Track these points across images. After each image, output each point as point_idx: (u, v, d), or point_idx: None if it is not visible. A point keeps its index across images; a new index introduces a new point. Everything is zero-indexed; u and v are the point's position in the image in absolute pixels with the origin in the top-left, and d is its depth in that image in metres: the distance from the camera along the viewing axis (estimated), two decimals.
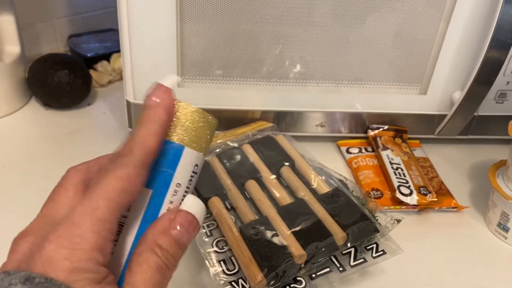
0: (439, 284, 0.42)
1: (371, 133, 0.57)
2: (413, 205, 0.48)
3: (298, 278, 0.37)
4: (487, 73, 0.51)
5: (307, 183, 0.44)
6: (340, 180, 0.46)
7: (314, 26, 0.50)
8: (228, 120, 0.55)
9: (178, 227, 0.24)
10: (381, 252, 0.40)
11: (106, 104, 0.63)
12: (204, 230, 0.41)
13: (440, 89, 0.56)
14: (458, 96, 0.54)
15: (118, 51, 0.69)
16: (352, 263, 0.39)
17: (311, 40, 0.51)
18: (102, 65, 0.68)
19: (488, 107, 0.57)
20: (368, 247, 0.40)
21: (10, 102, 0.59)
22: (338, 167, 0.55)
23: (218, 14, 0.49)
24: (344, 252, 0.39)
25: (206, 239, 0.40)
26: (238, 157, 0.47)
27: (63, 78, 0.57)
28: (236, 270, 0.37)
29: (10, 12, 0.56)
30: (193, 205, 0.26)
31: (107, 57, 0.69)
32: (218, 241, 0.40)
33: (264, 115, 0.56)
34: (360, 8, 0.50)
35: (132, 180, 0.23)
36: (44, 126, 0.58)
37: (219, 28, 0.50)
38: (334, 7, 0.49)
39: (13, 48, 0.58)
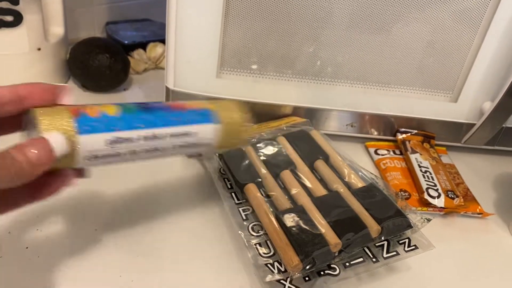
0: (460, 287, 0.43)
1: (400, 136, 0.58)
2: (440, 207, 0.49)
3: (332, 266, 0.38)
4: None
5: (341, 177, 0.46)
6: (372, 179, 0.47)
7: (348, 29, 0.52)
8: (261, 113, 0.56)
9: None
10: (413, 247, 0.41)
11: (141, 90, 0.65)
12: (240, 215, 0.42)
13: (471, 98, 0.57)
14: (488, 106, 0.55)
15: (154, 40, 0.72)
16: (385, 255, 0.40)
17: (345, 42, 0.53)
18: (138, 53, 0.70)
19: None
20: (400, 241, 0.41)
21: (50, 81, 0.60)
22: (366, 167, 0.56)
23: (260, 12, 0.50)
24: (377, 244, 0.41)
25: (244, 223, 0.41)
26: (273, 149, 0.48)
27: (104, 61, 0.59)
28: (271, 253, 0.39)
29: None
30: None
31: (142, 45, 0.71)
32: (254, 225, 0.41)
33: (296, 111, 0.57)
34: (393, 16, 0.51)
35: None
36: None
37: (260, 25, 0.51)
38: (369, 12, 0.51)
39: (58, 30, 0.60)
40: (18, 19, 0.53)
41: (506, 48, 0.53)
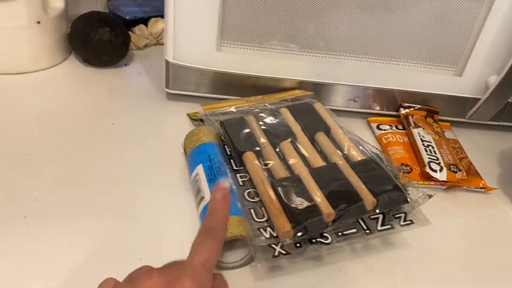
0: (461, 262, 0.42)
1: (403, 111, 0.57)
2: (442, 181, 0.48)
3: (324, 234, 0.38)
4: None
5: (341, 150, 0.45)
6: (376, 154, 0.46)
7: (352, 2, 0.51)
8: (264, 87, 0.56)
9: None
10: (409, 222, 0.40)
11: (143, 66, 0.65)
12: (237, 181, 0.42)
13: (476, 72, 0.55)
14: (494, 80, 0.54)
15: (156, 16, 0.71)
16: (379, 228, 0.39)
17: (348, 15, 0.52)
18: (139, 29, 0.69)
19: None
20: (396, 215, 0.41)
21: (51, 56, 0.61)
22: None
23: None
24: (372, 217, 0.40)
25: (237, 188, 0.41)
26: (275, 119, 0.48)
27: (104, 35, 0.58)
28: (264, 219, 0.38)
29: None
30: None
31: (144, 21, 0.70)
32: (250, 191, 0.41)
33: (299, 85, 0.56)
34: None
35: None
36: (83, 81, 0.60)
37: None
38: None
39: (58, 3, 0.59)
40: None
41: None
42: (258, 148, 0.44)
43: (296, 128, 0.47)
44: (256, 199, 0.40)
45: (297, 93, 0.55)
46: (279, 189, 0.39)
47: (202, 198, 0.40)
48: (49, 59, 0.60)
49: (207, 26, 0.52)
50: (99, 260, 0.37)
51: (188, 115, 0.55)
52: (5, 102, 0.54)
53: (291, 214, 0.37)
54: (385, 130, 0.57)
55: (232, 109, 0.50)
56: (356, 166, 0.42)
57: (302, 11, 0.51)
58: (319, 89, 0.57)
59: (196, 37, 0.52)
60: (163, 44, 0.70)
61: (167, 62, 0.54)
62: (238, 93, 0.56)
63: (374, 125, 0.58)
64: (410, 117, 0.56)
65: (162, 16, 0.71)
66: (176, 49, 0.53)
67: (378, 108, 0.59)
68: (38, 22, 0.56)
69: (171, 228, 0.41)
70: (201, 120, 0.53)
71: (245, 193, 0.41)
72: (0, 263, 0.36)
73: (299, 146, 0.45)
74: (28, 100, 0.55)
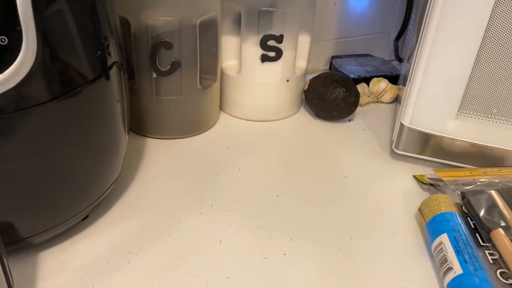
0: None
1: None
2: None
3: None
4: None
5: None
6: None
7: None
8: (496, 158, 0.56)
9: None
10: None
11: (365, 122, 0.70)
12: (487, 258, 0.43)
13: None
14: None
15: (376, 76, 0.76)
16: None
17: None
18: (361, 87, 0.75)
19: None
20: None
21: (290, 108, 0.69)
22: None
23: (508, 57, 0.51)
24: None
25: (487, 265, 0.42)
26: None
27: (340, 95, 0.65)
28: None
29: (309, 33, 0.66)
30: None
31: (364, 80, 0.76)
32: (503, 272, 0.41)
33: None
34: None
35: None
36: (314, 132, 0.67)
37: (507, 70, 0.52)
38: None
39: (302, 64, 0.68)
40: (278, 55, 0.63)
41: None
42: (507, 226, 0.44)
43: None
44: (510, 281, 0.41)
45: None
46: None
47: (450, 268, 0.42)
48: (288, 110, 0.69)
49: (450, 96, 0.54)
50: None
51: (415, 177, 0.58)
52: (255, 143, 0.64)
53: None
54: None
55: (473, 180, 0.51)
56: None
57: None
58: None
59: (437, 105, 0.55)
60: (382, 103, 0.75)
61: (401, 125, 0.58)
62: (465, 160, 0.58)
63: None
64: None
65: (382, 76, 0.76)
66: (414, 115, 0.57)
67: None
68: (287, 80, 0.66)
69: None
70: (431, 184, 0.55)
71: (498, 273, 0.41)
72: None
73: None
74: (272, 144, 0.64)
